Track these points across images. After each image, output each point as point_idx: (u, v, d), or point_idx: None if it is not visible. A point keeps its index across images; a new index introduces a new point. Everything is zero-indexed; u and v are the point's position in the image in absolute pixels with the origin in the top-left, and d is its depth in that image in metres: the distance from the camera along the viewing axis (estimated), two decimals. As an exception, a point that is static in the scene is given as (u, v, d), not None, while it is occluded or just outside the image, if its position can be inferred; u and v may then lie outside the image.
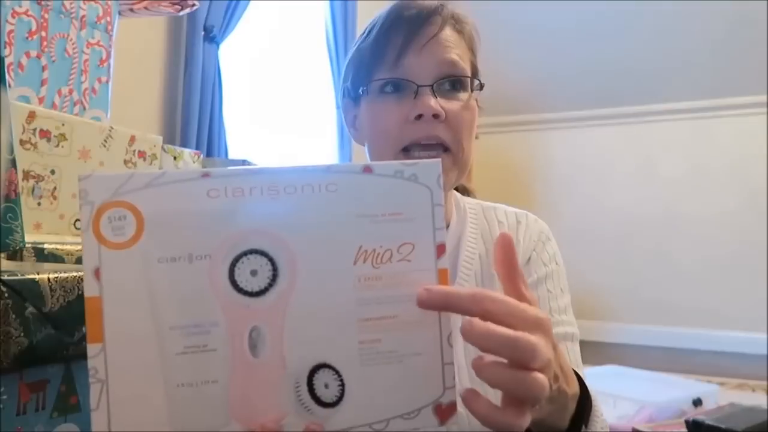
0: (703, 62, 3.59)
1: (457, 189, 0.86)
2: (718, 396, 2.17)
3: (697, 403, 2.03)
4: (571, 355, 0.78)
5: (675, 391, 2.15)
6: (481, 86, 0.77)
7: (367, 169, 0.48)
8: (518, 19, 3.75)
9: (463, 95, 0.74)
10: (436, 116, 0.70)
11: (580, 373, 0.74)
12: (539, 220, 0.85)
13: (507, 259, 0.50)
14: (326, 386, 0.46)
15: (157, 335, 0.44)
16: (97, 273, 0.44)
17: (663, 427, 1.74)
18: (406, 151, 0.72)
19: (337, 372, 0.46)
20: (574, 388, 0.56)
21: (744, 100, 3.63)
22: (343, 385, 0.46)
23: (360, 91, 0.76)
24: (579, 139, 4.10)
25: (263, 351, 0.45)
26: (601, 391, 1.41)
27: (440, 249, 0.49)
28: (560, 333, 0.78)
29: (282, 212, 0.46)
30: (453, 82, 0.73)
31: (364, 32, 0.78)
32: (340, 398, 0.46)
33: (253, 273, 0.45)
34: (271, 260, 0.46)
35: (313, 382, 0.46)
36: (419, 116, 0.70)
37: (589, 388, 0.60)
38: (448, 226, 0.81)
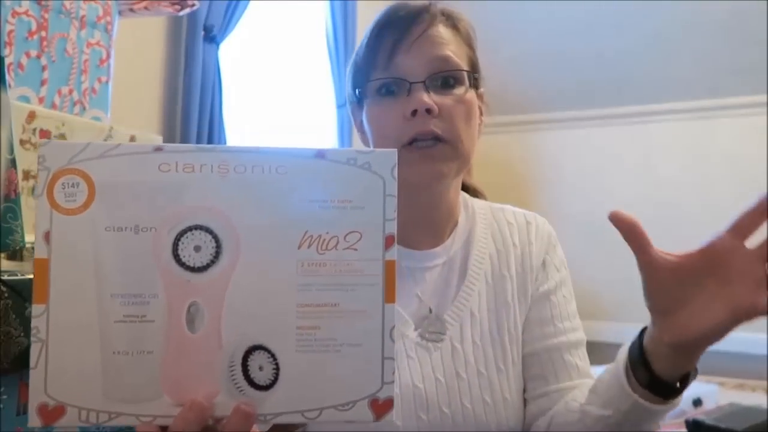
0: (704, 62, 3.58)
1: (467, 190, 0.87)
2: (718, 396, 2.16)
3: (697, 403, 2.02)
4: (585, 361, 0.80)
5: (675, 390, 2.14)
6: (476, 80, 0.77)
7: (320, 155, 0.48)
8: (518, 19, 3.75)
9: (458, 90, 0.74)
10: (429, 111, 0.71)
11: (591, 378, 0.76)
12: (546, 221, 0.86)
13: (632, 231, 0.57)
14: (261, 368, 0.46)
15: (99, 301, 0.45)
16: (47, 236, 0.45)
17: (663, 427, 1.74)
18: (408, 147, 0.73)
19: (272, 355, 0.46)
20: None
21: (744, 100, 3.63)
22: (277, 369, 0.46)
23: (358, 93, 0.78)
24: (579, 139, 4.10)
25: (200, 327, 0.46)
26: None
27: (389, 240, 0.48)
28: (573, 340, 0.80)
29: (230, 191, 0.46)
30: (446, 78, 0.74)
31: (362, 39, 0.79)
32: (274, 382, 0.46)
33: (197, 249, 0.46)
34: (216, 237, 0.46)
35: (247, 363, 0.46)
36: (414, 112, 0.71)
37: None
38: (456, 224, 0.82)
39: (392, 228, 0.48)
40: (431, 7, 0.76)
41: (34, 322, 0.44)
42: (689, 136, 3.81)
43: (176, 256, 0.46)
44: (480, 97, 0.79)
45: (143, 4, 1.16)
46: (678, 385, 0.62)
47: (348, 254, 0.47)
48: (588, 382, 0.76)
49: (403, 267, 0.78)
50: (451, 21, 0.77)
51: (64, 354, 0.44)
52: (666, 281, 0.57)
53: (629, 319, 3.89)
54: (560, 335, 0.78)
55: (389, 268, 0.48)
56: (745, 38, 3.39)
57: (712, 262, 0.55)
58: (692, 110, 3.79)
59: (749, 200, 0.54)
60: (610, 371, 0.66)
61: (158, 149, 0.46)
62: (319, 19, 3.29)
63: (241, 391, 0.46)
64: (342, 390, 0.47)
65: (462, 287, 0.79)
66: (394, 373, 0.48)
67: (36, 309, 0.44)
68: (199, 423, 0.44)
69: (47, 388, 0.44)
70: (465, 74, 0.75)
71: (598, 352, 0.75)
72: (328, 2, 3.28)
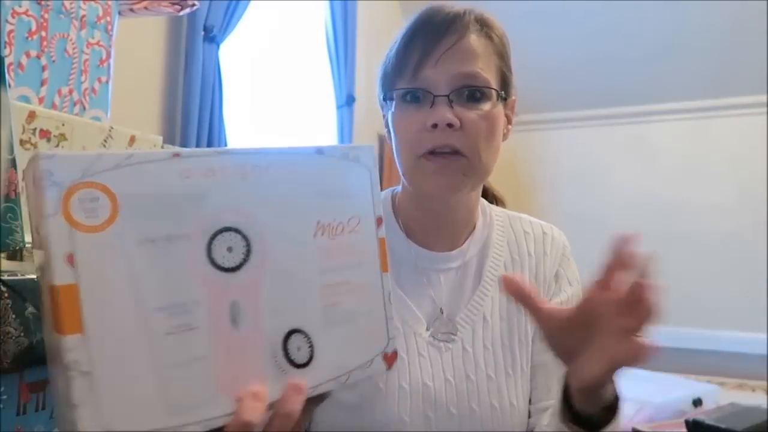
0: (703, 62, 3.59)
1: (486, 196, 0.89)
2: (718, 396, 2.16)
3: (697, 403, 2.02)
4: None
5: (675, 391, 2.14)
6: (504, 97, 0.77)
7: (319, 151, 0.53)
8: (518, 19, 3.75)
9: (484, 105, 0.74)
10: (450, 126, 0.72)
11: None
12: (562, 234, 0.87)
13: (521, 293, 0.59)
14: (299, 349, 0.50)
15: (143, 318, 0.43)
16: (70, 258, 0.41)
17: (663, 427, 1.74)
18: (424, 157, 0.74)
19: (306, 335, 0.51)
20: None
21: (744, 100, 3.63)
22: (312, 346, 0.51)
23: (384, 99, 0.79)
24: (579, 139, 4.10)
25: (243, 323, 0.48)
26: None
27: (378, 221, 0.56)
28: None
29: (251, 191, 0.49)
30: (471, 92, 0.74)
31: (395, 39, 0.79)
32: (311, 359, 0.51)
33: (229, 249, 0.47)
34: (245, 237, 0.48)
35: (287, 346, 0.50)
36: (434, 125, 0.72)
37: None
38: (473, 229, 0.83)
39: (380, 210, 0.56)
40: (465, 16, 0.75)
41: (71, 356, 0.40)
42: (689, 136, 3.81)
43: (211, 260, 0.46)
44: (510, 105, 0.80)
45: (143, 4, 1.16)
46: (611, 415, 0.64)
47: (352, 237, 0.54)
48: None
49: (418, 266, 0.80)
50: (485, 30, 0.76)
51: (115, 381, 0.42)
52: (557, 334, 0.61)
53: (629, 319, 3.89)
54: None
55: (382, 244, 0.56)
56: (746, 39, 3.39)
57: (587, 315, 0.58)
58: (692, 110, 3.79)
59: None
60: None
61: (175, 155, 0.46)
62: (319, 19, 3.30)
63: (285, 373, 0.49)
64: (362, 352, 0.54)
65: (476, 292, 0.80)
66: (394, 328, 0.56)
67: (70, 341, 0.40)
68: (263, 409, 0.46)
69: (103, 420, 0.41)
70: (492, 91, 0.75)
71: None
72: (328, 2, 3.28)
